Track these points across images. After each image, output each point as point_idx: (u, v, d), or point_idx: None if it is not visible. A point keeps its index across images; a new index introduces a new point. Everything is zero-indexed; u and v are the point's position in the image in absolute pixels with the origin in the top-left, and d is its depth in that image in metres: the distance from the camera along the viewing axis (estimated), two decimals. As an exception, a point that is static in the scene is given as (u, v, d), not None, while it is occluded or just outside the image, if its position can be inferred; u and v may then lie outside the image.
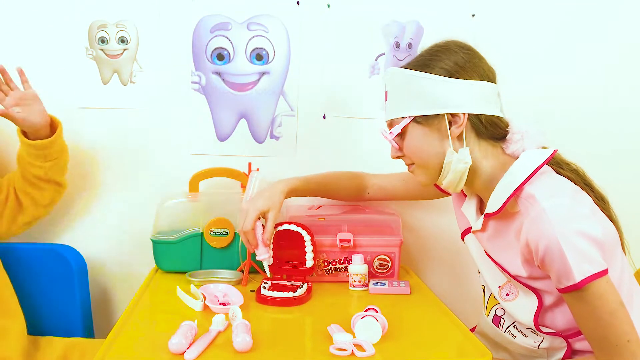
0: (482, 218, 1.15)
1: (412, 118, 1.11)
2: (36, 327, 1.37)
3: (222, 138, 1.59)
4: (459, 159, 1.09)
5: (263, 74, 1.57)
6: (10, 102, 1.29)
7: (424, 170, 1.14)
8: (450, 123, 1.09)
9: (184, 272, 1.39)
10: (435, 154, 1.11)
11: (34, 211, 1.40)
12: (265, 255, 1.26)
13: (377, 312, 1.10)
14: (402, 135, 1.13)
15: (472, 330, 1.34)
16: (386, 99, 1.16)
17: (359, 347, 0.99)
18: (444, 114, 1.09)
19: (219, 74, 1.56)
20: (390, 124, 1.16)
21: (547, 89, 1.65)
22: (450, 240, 1.66)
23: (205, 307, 1.17)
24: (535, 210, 1.00)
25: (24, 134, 1.34)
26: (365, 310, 1.10)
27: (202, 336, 1.01)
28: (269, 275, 1.28)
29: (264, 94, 1.57)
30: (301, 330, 1.12)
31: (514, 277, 1.11)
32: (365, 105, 1.60)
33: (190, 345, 0.97)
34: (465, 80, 1.08)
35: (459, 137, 1.10)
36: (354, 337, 1.02)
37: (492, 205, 1.10)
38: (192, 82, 1.56)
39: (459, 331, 1.12)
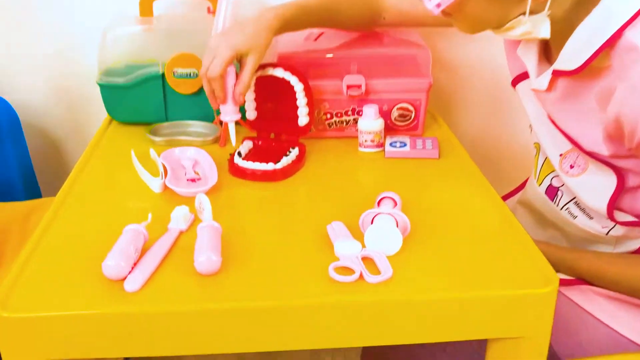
0: (549, 74, 0.82)
1: None
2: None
3: None
4: (527, 30, 0.77)
5: None
6: None
7: (472, 28, 0.81)
8: None
9: (146, 124, 1.09)
10: (500, 18, 0.78)
11: None
12: (232, 116, 0.93)
13: (395, 204, 0.80)
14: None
15: (507, 197, 1.08)
16: None
17: (368, 263, 0.71)
18: None
19: None
20: None
21: None
22: (494, 81, 1.32)
23: (166, 187, 0.89)
24: (639, 72, 0.70)
25: None
26: (379, 202, 0.81)
27: (154, 244, 0.74)
28: (234, 144, 0.95)
29: None
30: (289, 227, 0.81)
31: (589, 154, 0.82)
32: None
33: (134, 264, 0.70)
34: None
35: None
36: (364, 246, 0.74)
37: (567, 59, 0.77)
38: None
39: (515, 239, 0.78)
